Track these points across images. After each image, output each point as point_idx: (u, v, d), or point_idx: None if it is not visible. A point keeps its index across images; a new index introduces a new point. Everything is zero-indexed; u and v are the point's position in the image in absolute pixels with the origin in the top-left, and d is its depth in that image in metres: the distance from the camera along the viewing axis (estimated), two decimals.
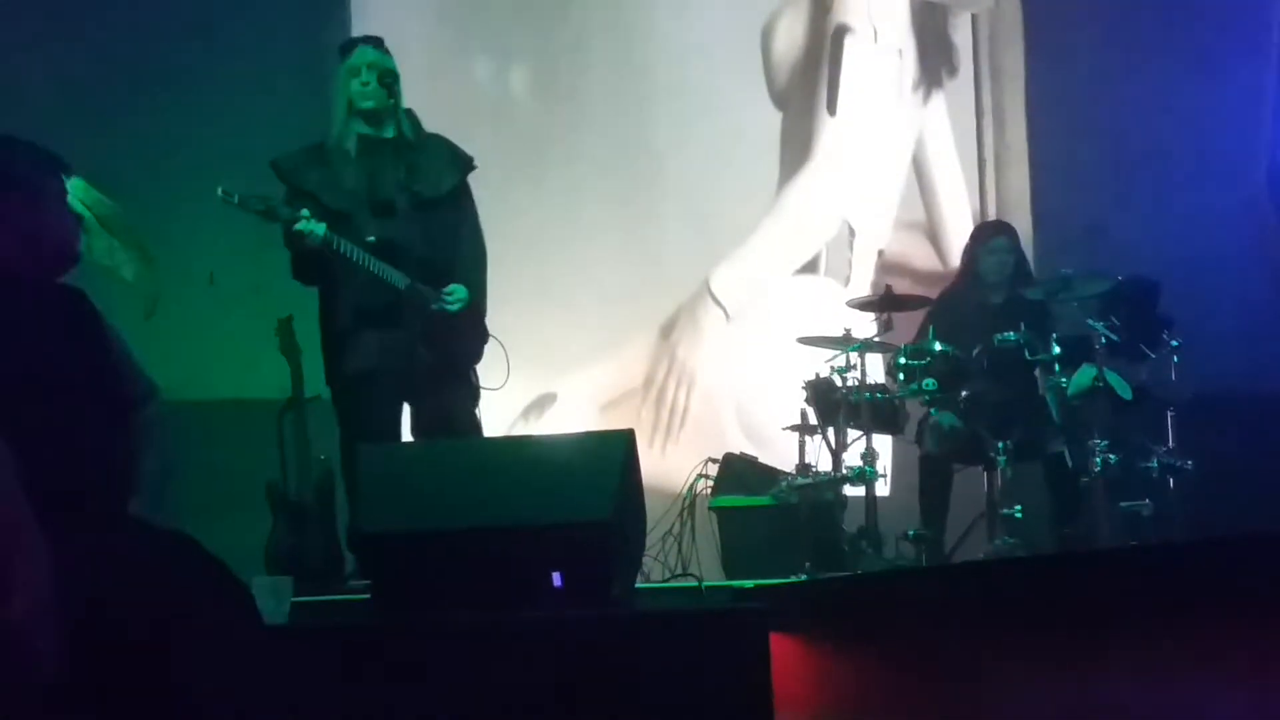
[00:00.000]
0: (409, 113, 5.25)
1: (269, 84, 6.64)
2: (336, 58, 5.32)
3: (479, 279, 5.26)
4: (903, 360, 6.12)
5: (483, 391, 5.28)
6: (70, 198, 3.24)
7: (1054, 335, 6.09)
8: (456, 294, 5.12)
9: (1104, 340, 5.99)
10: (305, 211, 4.93)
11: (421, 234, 5.11)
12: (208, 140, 6.60)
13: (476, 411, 5.24)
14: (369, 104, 5.14)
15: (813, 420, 6.43)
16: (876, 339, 6.37)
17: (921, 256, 7.98)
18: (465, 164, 5.36)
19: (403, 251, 5.06)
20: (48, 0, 6.65)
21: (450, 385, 5.16)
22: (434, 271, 5.11)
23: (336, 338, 5.15)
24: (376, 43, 5.30)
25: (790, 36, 8.00)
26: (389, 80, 5.13)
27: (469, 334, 5.22)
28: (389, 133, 5.17)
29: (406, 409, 5.25)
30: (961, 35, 8.24)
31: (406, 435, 5.27)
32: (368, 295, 5.04)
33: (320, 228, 4.91)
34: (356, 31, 6.87)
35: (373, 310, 5.05)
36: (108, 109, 6.56)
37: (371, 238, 5.03)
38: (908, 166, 8.03)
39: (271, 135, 6.49)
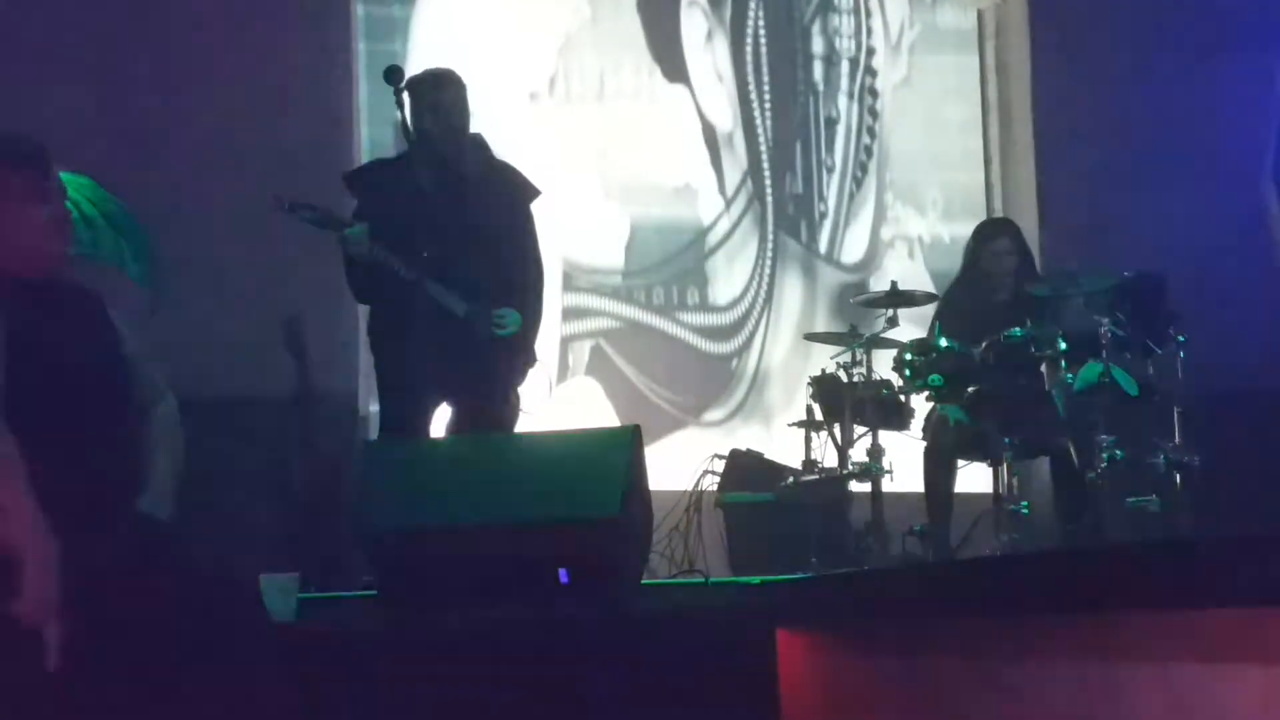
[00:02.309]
0: (478, 140, 5.29)
1: (273, 84, 6.63)
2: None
3: (537, 306, 5.30)
4: (909, 357, 6.10)
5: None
6: (73, 194, 3.20)
7: (1060, 331, 6.07)
8: (510, 319, 5.16)
9: (1110, 336, 5.98)
10: (354, 220, 5.01)
11: (477, 258, 5.12)
12: (213, 139, 6.60)
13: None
14: (442, 137, 5.16)
15: (819, 416, 6.42)
16: (882, 335, 6.36)
17: None
18: (531, 193, 5.40)
19: (457, 272, 5.07)
20: (49, 1, 6.65)
21: (491, 405, 5.14)
22: (489, 295, 5.13)
23: (383, 349, 5.19)
24: (457, 82, 5.30)
25: None
26: (464, 113, 5.19)
27: (514, 356, 5.22)
28: (456, 162, 5.18)
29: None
30: (968, 31, 8.25)
31: None
32: (417, 312, 5.02)
33: (365, 234, 4.95)
34: (353, 34, 6.90)
35: (420, 326, 5.01)
36: (111, 109, 6.56)
37: (424, 254, 5.03)
38: None
39: (275, 135, 6.51)
